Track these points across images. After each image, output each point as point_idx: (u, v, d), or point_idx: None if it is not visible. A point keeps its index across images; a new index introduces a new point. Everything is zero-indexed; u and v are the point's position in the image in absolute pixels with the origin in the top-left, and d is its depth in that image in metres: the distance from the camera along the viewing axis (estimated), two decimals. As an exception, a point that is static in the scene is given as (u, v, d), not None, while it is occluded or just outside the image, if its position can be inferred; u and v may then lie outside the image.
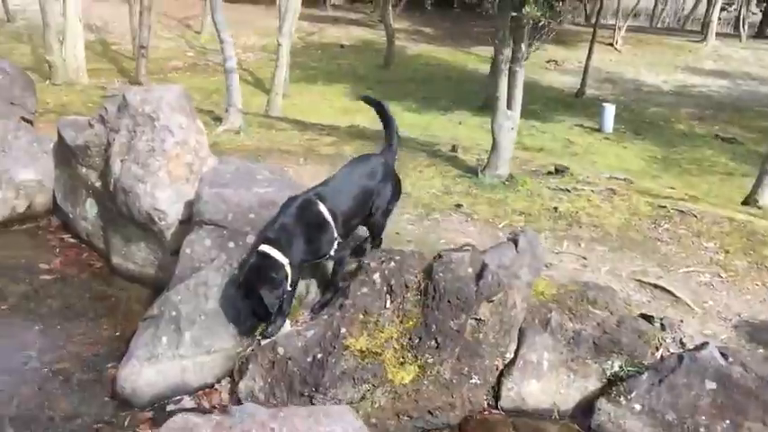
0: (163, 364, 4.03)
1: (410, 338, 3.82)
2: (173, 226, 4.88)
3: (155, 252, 5.06)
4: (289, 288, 3.94)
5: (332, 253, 4.08)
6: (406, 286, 3.92)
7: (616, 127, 14.07)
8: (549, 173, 6.34)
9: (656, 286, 4.59)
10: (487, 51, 21.43)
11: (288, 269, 3.86)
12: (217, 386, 4.15)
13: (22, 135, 6.06)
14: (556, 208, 5.50)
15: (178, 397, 4.05)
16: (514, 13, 5.59)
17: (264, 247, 3.85)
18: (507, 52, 5.92)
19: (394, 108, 14.36)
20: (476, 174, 6.16)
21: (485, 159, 6.44)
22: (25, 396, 4.00)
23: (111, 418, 3.89)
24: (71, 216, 5.80)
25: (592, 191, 5.77)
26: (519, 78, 6.06)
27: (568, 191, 5.72)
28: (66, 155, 5.77)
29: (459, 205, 5.50)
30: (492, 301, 3.95)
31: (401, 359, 3.82)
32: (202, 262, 4.27)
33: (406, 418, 3.86)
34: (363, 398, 3.75)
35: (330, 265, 4.30)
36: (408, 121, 12.59)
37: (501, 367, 4.08)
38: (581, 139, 12.98)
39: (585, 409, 4.10)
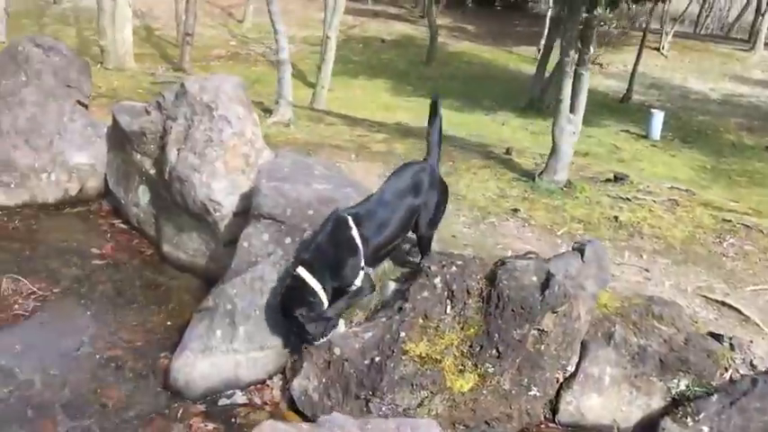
0: (217, 357, 3.99)
1: (471, 346, 3.72)
2: (227, 217, 4.83)
3: (207, 243, 5.02)
4: (327, 314, 3.88)
5: (357, 283, 3.93)
6: (468, 292, 3.82)
7: (663, 134, 13.76)
8: (608, 180, 6.17)
9: (723, 304, 4.43)
10: (530, 52, 21.23)
11: (322, 294, 3.81)
12: (269, 382, 4.10)
13: (77, 118, 6.06)
14: (616, 217, 5.35)
15: (230, 391, 4.00)
16: (586, 14, 5.44)
17: (300, 271, 3.82)
18: (573, 54, 5.77)
19: (436, 106, 14.31)
20: (532, 178, 6.02)
21: (541, 163, 6.29)
22: (77, 382, 3.98)
23: (164, 410, 3.85)
24: (123, 202, 5.79)
25: (653, 201, 5.60)
26: (584, 82, 5.90)
27: (629, 200, 5.56)
28: (120, 140, 5.75)
29: (515, 210, 5.37)
30: (556, 312, 3.83)
31: (461, 367, 3.72)
32: (259, 256, 4.21)
33: (462, 427, 3.77)
34: (421, 404, 3.66)
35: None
36: (452, 120, 12.41)
37: (561, 380, 3.96)
38: (628, 146, 12.72)
39: (647, 427, 3.97)
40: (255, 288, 4.11)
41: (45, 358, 4.09)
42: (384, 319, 3.84)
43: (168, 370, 3.98)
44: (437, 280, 3.87)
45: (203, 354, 3.97)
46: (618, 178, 6.13)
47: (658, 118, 13.59)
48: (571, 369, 3.98)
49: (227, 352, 4.01)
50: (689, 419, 3.74)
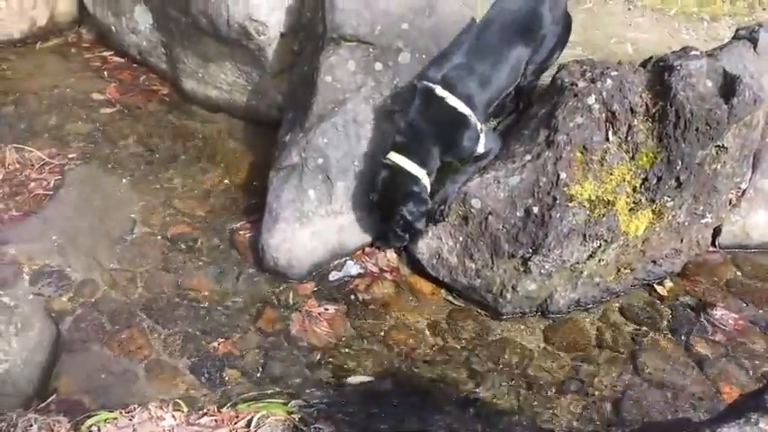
0: (316, 224, 3.23)
1: (645, 179, 3.00)
2: (274, 41, 3.77)
3: (247, 74, 3.99)
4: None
5: (480, 149, 3.14)
6: (632, 111, 3.01)
7: None
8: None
9: None
10: None
11: (426, 181, 3.09)
12: (378, 244, 3.39)
13: None
14: (732, -15, 4.43)
15: (337, 261, 3.30)
16: None
17: (393, 157, 3.07)
18: None
19: None
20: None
21: None
22: (149, 276, 3.22)
23: (270, 296, 3.16)
24: (113, 29, 4.56)
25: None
26: None
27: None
28: (93, -54, 4.40)
29: (612, -11, 4.38)
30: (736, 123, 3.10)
31: (632, 205, 3.03)
32: (347, 92, 3.28)
33: (626, 271, 3.19)
34: (591, 256, 3.03)
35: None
36: None
37: (735, 201, 3.34)
38: None
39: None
40: (350, 133, 3.25)
41: (94, 249, 3.28)
42: (530, 158, 3.05)
43: (262, 248, 3.21)
44: (591, 100, 3.03)
45: (300, 223, 3.20)
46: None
47: None
48: (744, 186, 3.35)
49: (327, 215, 3.24)
50: None
